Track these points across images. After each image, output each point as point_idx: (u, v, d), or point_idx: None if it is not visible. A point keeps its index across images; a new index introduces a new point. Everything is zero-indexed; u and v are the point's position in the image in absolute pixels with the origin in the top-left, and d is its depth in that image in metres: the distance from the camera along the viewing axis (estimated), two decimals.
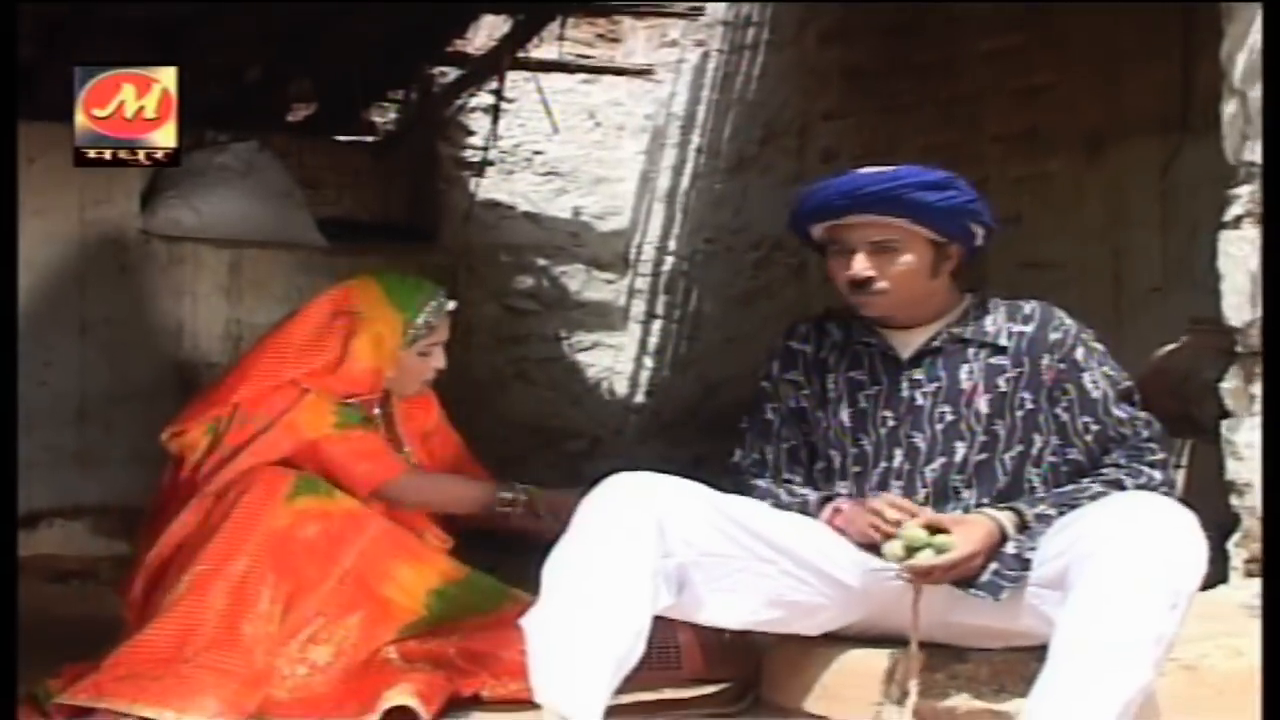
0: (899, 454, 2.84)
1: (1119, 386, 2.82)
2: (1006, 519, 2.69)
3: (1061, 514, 2.68)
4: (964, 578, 2.66)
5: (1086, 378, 2.80)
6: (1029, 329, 2.84)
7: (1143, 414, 2.82)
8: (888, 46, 6.33)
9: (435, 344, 3.40)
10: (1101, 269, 5.40)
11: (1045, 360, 2.81)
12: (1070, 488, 2.76)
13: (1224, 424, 3.37)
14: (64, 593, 4.94)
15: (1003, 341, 2.83)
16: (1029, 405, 2.81)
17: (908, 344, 2.88)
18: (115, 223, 5.86)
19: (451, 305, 3.45)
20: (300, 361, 3.31)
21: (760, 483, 2.91)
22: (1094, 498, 2.69)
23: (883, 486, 2.82)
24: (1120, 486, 2.72)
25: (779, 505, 2.85)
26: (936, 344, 2.86)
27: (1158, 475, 2.76)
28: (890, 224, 2.81)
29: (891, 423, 2.85)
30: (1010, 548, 2.68)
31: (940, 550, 2.63)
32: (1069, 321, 2.86)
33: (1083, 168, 5.50)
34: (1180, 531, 2.50)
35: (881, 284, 2.82)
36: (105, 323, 5.82)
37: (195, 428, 3.28)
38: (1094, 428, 2.79)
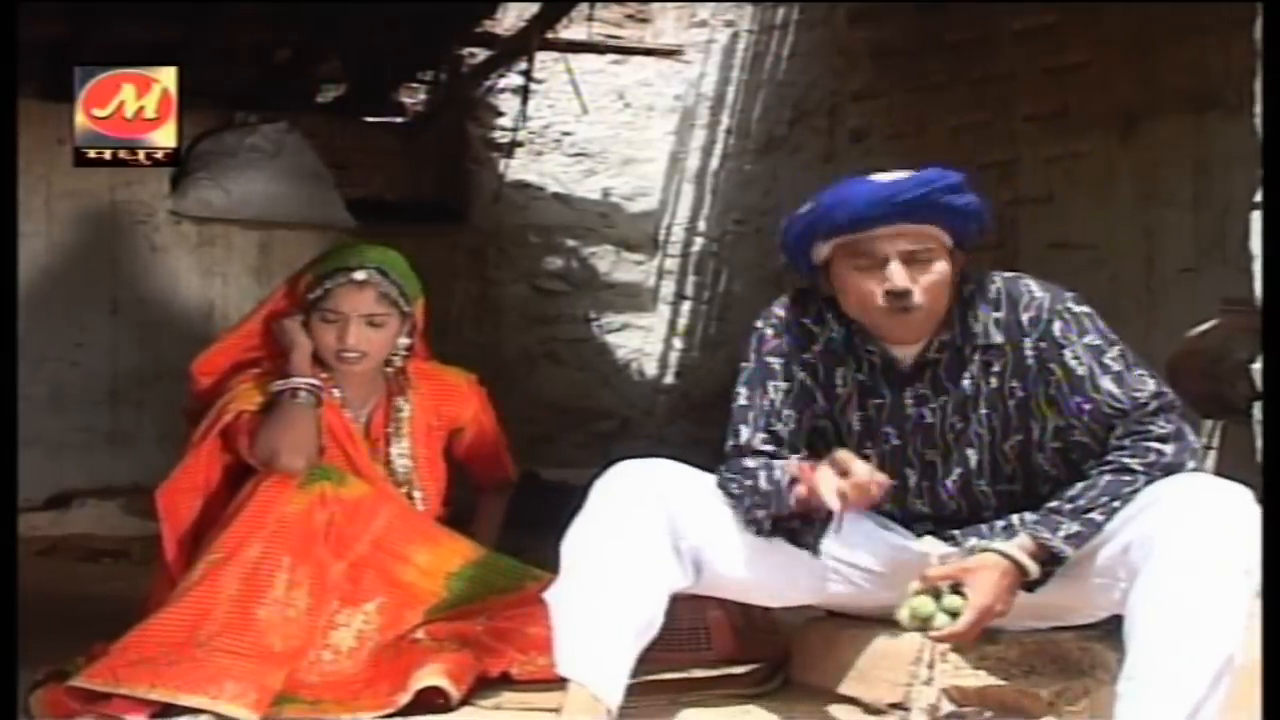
0: (912, 474, 2.73)
1: (1104, 355, 2.63)
2: (1016, 549, 2.54)
3: (1087, 522, 2.54)
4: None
5: (1068, 354, 2.64)
6: (1001, 314, 2.69)
7: (1144, 383, 2.61)
8: (918, 25, 6.30)
9: (334, 313, 3.23)
10: (1133, 249, 5.37)
11: (1026, 344, 2.66)
12: (1082, 490, 2.57)
13: (1256, 405, 3.35)
14: (97, 572, 4.96)
15: (996, 339, 2.67)
16: (1020, 393, 2.67)
17: (906, 353, 2.72)
18: (146, 204, 5.89)
19: (360, 276, 3.22)
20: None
21: (750, 463, 2.69)
22: (1110, 491, 2.55)
23: (899, 503, 2.73)
24: (1128, 470, 2.56)
25: (755, 494, 2.66)
26: (933, 355, 2.70)
27: (1168, 449, 2.56)
28: (923, 231, 2.63)
29: (896, 440, 2.73)
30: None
31: (953, 613, 2.51)
32: (1039, 294, 2.68)
33: (1115, 147, 5.47)
34: (1238, 501, 2.46)
35: (918, 298, 2.61)
36: (136, 303, 5.85)
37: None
38: (1086, 406, 2.62)
